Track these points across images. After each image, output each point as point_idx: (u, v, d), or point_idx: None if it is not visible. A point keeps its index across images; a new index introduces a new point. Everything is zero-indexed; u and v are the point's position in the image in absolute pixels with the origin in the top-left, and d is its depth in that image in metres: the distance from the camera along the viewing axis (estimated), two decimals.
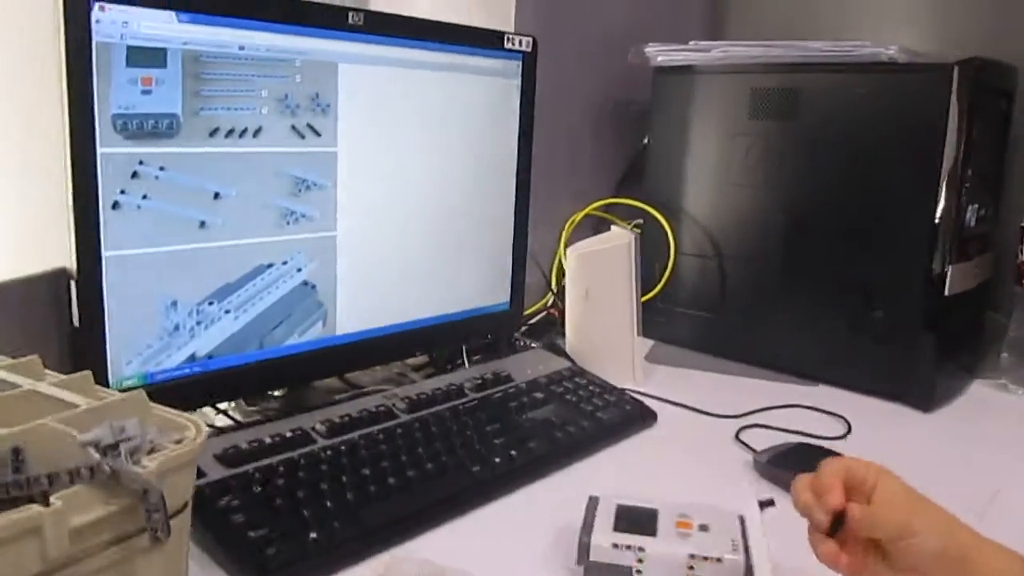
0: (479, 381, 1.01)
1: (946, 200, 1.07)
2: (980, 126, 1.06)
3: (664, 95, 1.31)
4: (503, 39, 1.07)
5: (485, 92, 1.07)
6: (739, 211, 1.24)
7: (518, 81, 1.10)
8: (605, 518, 0.67)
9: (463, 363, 1.14)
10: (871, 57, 1.10)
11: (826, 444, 0.95)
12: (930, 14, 1.34)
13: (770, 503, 0.70)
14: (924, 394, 1.11)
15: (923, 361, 1.10)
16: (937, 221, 1.07)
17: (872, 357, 1.14)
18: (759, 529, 0.66)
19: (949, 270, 1.07)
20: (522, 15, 1.24)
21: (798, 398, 1.11)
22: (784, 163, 1.19)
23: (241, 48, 0.81)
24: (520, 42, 1.09)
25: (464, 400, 0.96)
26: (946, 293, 1.08)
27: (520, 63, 1.10)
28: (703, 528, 0.66)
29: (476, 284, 1.12)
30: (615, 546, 0.64)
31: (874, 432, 1.03)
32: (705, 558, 0.64)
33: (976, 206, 1.10)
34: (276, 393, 0.98)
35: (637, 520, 0.67)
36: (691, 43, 1.26)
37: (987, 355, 1.25)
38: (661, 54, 1.27)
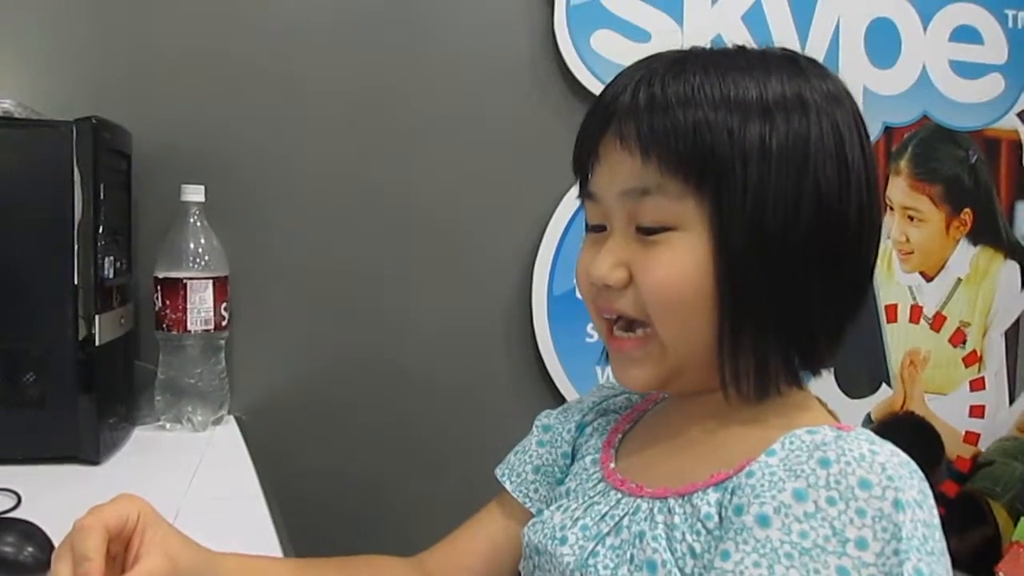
0: None
1: (82, 255, 1.08)
2: (106, 184, 1.12)
3: None
4: None
5: None
6: None
7: None
8: None
9: None
10: None
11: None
12: (42, 74, 1.33)
13: None
14: (90, 448, 1.10)
15: (84, 415, 1.09)
16: (76, 275, 1.08)
17: (32, 424, 1.08)
18: None
19: (97, 320, 1.09)
20: None
21: None
22: None
23: None
24: None
25: None
26: (97, 343, 1.10)
27: None
28: None
29: None
30: None
31: (47, 496, 0.97)
32: None
33: (112, 258, 1.14)
34: None
35: None
36: None
37: (143, 403, 1.31)
38: None
